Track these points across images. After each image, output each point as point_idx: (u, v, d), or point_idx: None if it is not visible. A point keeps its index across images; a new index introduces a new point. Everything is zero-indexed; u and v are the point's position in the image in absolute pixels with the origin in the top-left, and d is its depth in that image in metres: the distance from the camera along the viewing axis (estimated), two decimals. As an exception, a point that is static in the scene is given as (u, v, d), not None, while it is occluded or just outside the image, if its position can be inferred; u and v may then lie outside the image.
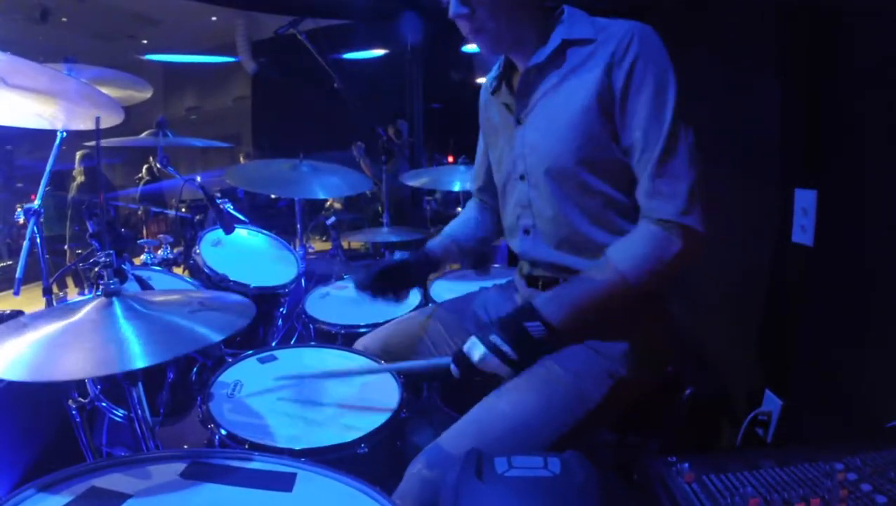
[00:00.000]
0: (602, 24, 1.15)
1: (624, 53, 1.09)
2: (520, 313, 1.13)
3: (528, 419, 1.11)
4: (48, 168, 1.78)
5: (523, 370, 1.15)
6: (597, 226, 1.19)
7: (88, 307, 0.97)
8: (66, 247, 5.16)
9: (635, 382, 1.20)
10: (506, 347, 1.09)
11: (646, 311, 1.21)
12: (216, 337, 0.93)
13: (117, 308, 0.97)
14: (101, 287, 1.00)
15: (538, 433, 1.11)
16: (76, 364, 0.85)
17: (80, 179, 5.27)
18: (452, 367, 1.15)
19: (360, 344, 1.53)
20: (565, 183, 1.18)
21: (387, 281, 1.43)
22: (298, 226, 2.51)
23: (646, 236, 1.10)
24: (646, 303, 1.19)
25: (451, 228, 1.59)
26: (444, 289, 2.23)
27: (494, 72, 1.33)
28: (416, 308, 1.95)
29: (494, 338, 1.10)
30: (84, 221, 1.29)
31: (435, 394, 1.54)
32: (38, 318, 0.97)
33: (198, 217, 2.52)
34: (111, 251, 1.01)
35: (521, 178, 1.26)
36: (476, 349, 1.12)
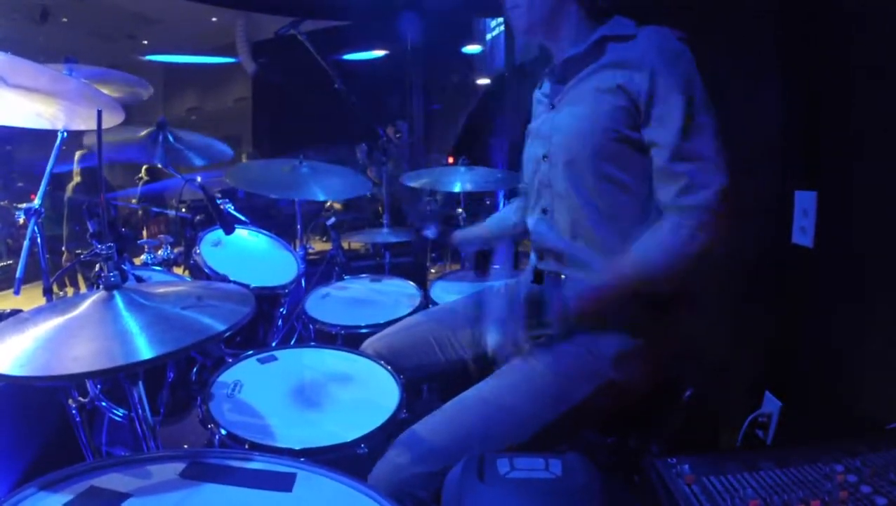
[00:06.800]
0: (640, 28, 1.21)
1: (644, 61, 1.15)
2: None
3: (504, 414, 1.14)
4: (49, 168, 1.77)
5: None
6: (605, 221, 1.22)
7: (89, 301, 0.95)
8: (63, 248, 5.13)
9: (625, 385, 1.20)
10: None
11: (644, 315, 1.21)
12: (220, 327, 0.91)
13: (119, 301, 0.95)
14: (101, 281, 0.97)
15: (513, 428, 1.13)
16: (80, 359, 0.82)
17: (77, 179, 5.25)
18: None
19: (366, 346, 1.54)
20: (582, 166, 1.23)
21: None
22: (298, 226, 2.51)
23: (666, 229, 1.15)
24: (645, 307, 1.20)
25: (491, 218, 1.76)
26: (444, 290, 2.23)
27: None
28: (416, 309, 1.96)
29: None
30: (83, 221, 1.28)
31: (435, 394, 1.55)
32: (39, 313, 0.95)
33: (198, 217, 2.52)
34: (112, 244, 0.98)
35: (545, 157, 1.32)
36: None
